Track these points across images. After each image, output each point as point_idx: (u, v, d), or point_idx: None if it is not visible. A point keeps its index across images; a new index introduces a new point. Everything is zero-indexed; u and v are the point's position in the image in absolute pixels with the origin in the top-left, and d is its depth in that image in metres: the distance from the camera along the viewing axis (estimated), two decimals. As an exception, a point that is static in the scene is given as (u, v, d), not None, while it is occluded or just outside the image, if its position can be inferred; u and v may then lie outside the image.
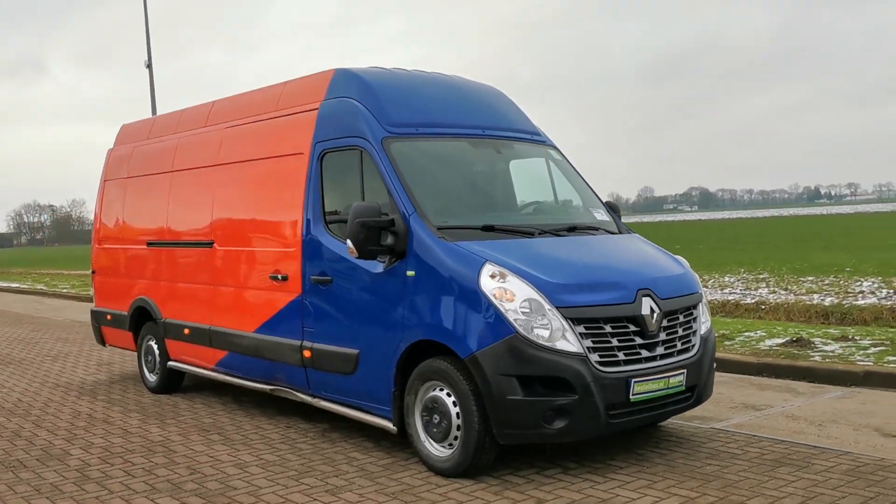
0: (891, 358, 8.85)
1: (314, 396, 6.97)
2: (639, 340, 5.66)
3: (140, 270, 9.40)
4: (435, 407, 5.78)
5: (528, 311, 5.41)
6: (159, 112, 24.08)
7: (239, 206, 7.83)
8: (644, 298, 5.74)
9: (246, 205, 7.73)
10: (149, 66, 27.04)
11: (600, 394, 5.41)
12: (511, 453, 6.04)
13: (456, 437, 5.68)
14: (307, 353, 6.82)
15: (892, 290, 14.97)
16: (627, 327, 5.64)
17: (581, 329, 5.46)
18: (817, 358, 9.08)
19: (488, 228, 6.09)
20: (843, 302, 13.69)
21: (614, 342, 5.57)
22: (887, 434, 6.50)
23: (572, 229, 6.51)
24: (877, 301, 13.59)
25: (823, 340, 10.10)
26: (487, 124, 7.06)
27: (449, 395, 5.70)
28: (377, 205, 6.00)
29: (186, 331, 8.52)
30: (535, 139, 7.38)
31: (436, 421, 5.78)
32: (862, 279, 17.34)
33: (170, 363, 8.99)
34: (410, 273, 5.91)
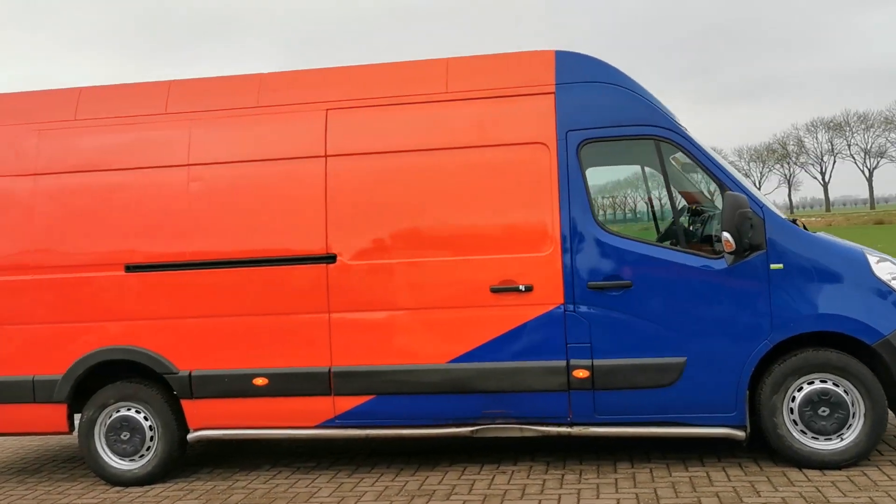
0: None
1: (573, 425, 5.94)
2: None
3: (104, 309, 6.39)
4: (823, 399, 5.65)
5: None
6: None
7: (398, 206, 6.12)
8: None
9: (418, 205, 6.10)
10: None
11: None
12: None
13: (849, 426, 5.65)
14: (582, 373, 5.83)
15: None
16: None
17: None
18: None
19: None
20: None
21: None
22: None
23: None
24: None
25: None
26: None
27: (836, 384, 5.65)
28: (745, 196, 5.65)
29: (260, 381, 6.18)
30: None
31: (824, 414, 5.66)
32: None
33: (195, 434, 6.34)
34: (777, 266, 5.69)
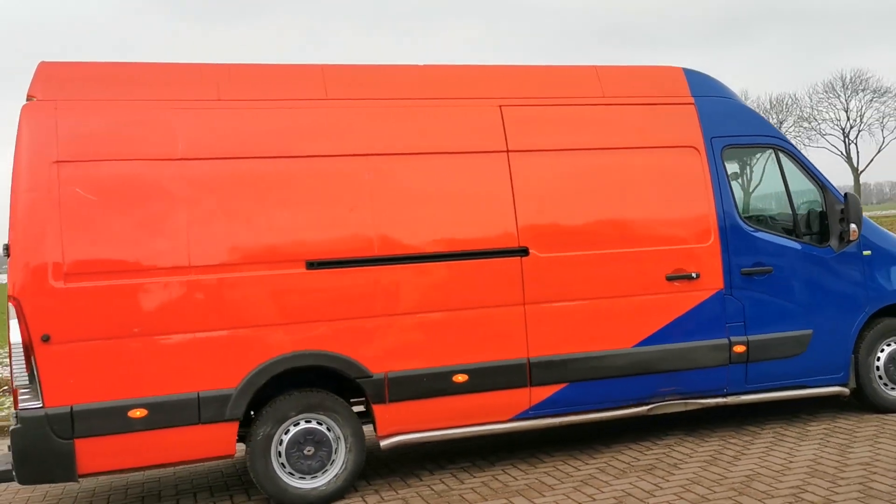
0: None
1: (727, 395, 6.79)
2: None
3: (283, 311, 5.74)
4: None
5: None
6: None
7: (576, 201, 6.45)
8: None
9: (592, 200, 6.49)
10: None
11: None
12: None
13: None
14: (740, 349, 6.72)
15: None
16: None
17: None
18: None
19: None
20: None
21: None
22: None
23: None
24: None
25: None
26: None
27: None
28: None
29: (460, 377, 6.06)
30: None
31: (897, 367, 7.22)
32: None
33: (389, 441, 5.98)
34: (867, 252, 7.15)
